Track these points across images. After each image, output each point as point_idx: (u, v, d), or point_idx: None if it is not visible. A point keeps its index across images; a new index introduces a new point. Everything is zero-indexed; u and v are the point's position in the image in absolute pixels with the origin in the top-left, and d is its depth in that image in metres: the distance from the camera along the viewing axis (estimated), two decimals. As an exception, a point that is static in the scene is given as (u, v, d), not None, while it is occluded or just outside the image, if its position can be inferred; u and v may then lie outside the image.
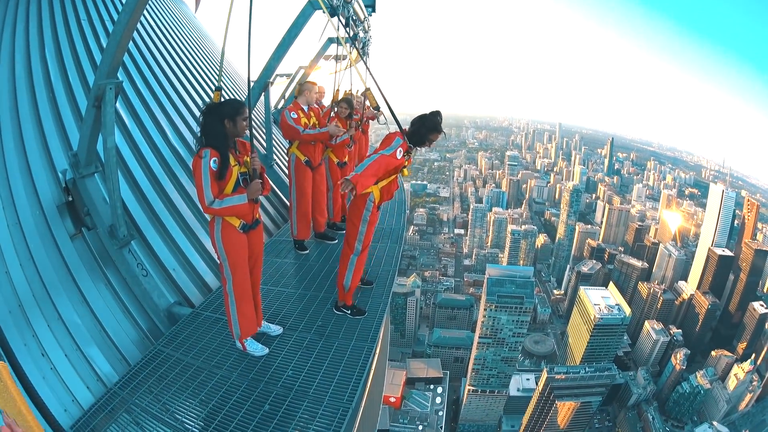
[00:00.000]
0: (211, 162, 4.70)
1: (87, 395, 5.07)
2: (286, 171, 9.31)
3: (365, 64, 7.94)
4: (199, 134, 4.92)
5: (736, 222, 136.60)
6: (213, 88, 13.70)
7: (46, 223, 6.12)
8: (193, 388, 5.04)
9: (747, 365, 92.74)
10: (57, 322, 5.44)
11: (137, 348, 6.04)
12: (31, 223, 5.95)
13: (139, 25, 12.30)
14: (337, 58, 10.83)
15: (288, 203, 9.52)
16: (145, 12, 13.13)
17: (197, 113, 11.32)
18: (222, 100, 5.17)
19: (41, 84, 7.98)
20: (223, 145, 4.83)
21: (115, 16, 11.04)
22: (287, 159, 8.78)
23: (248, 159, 5.11)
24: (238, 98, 9.28)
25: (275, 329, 6.11)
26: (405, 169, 6.34)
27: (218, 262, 5.38)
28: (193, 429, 4.52)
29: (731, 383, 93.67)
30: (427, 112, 6.08)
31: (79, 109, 7.97)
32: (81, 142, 6.07)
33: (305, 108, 8.50)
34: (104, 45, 9.89)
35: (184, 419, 4.61)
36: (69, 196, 6.35)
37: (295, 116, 8.20)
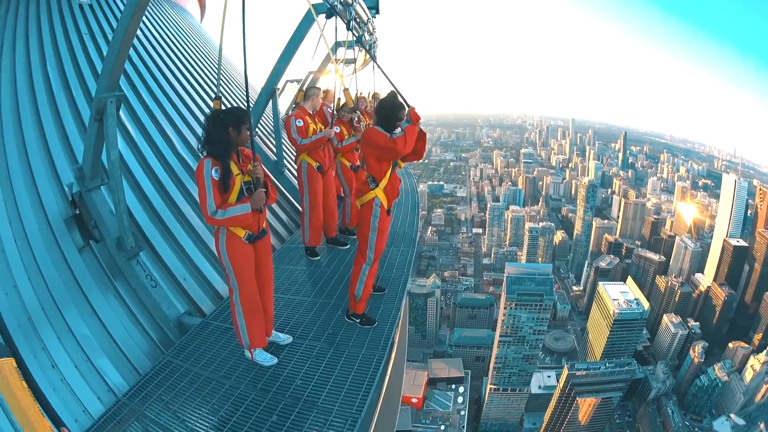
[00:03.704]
0: (213, 171, 4.65)
1: (98, 405, 5.08)
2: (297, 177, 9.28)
3: (375, 63, 7.88)
4: (202, 141, 4.88)
5: (749, 212, 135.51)
6: (222, 96, 13.72)
7: (54, 237, 6.17)
8: (202, 398, 5.01)
9: (763, 356, 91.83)
10: (67, 334, 5.47)
11: (148, 358, 6.03)
12: (38, 237, 6.01)
13: (143, 37, 12.40)
14: (340, 61, 10.83)
15: (300, 209, 9.50)
16: (148, 24, 13.23)
17: (203, 121, 11.32)
18: (224, 108, 5.13)
19: (44, 98, 8.05)
20: (225, 153, 4.79)
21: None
22: (297, 166, 8.70)
23: (251, 167, 5.04)
24: (243, 106, 9.32)
25: (284, 338, 6.05)
26: (399, 161, 6.24)
27: (224, 272, 5.32)
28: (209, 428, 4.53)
29: (748, 375, 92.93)
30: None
31: (83, 123, 8.02)
32: (85, 156, 6.12)
33: (311, 113, 8.44)
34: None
35: (192, 429, 4.58)
36: (76, 209, 6.37)
37: (301, 124, 8.13)
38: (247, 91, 5.12)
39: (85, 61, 9.58)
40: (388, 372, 6.12)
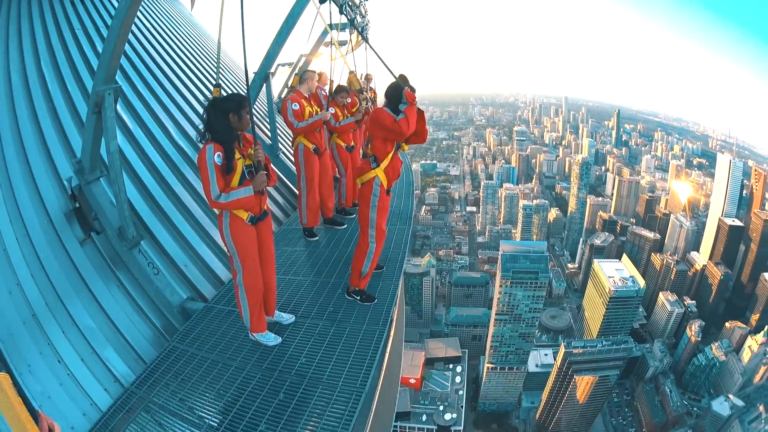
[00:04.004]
0: (216, 157, 4.76)
1: (105, 397, 5.17)
2: (293, 159, 9.40)
3: (368, 45, 7.97)
4: (202, 130, 4.98)
5: (744, 192, 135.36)
6: (213, 82, 13.80)
7: (55, 232, 6.24)
8: (209, 381, 5.14)
9: (760, 337, 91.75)
10: (72, 328, 5.56)
11: (153, 346, 6.13)
12: (40, 233, 6.08)
13: (135, 29, 12.37)
14: (329, 43, 10.94)
15: (296, 191, 9.60)
16: (140, 15, 13.22)
17: (199, 109, 11.39)
18: (223, 95, 5.24)
19: (39, 95, 8.10)
20: (228, 139, 4.89)
21: (110, 22, 11.15)
22: (294, 148, 8.82)
23: (252, 151, 5.17)
24: (240, 92, 9.32)
25: (287, 318, 6.20)
26: (403, 143, 6.32)
27: (228, 255, 5.45)
28: (211, 422, 4.60)
29: (745, 355, 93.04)
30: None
31: (80, 116, 8.08)
32: (84, 149, 6.17)
33: (307, 96, 8.54)
34: (100, 51, 9.99)
35: (201, 413, 4.70)
36: (76, 203, 6.45)
37: (297, 107, 8.23)
38: (246, 76, 5.23)
39: (79, 56, 9.62)
40: (388, 348, 6.25)
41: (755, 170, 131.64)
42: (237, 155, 4.99)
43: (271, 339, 5.73)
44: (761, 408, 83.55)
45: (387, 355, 6.18)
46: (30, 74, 8.48)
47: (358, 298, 6.67)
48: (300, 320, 6.23)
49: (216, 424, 4.58)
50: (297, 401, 4.71)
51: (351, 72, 9.35)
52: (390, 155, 6.12)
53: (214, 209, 5.22)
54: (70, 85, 8.72)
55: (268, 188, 5.48)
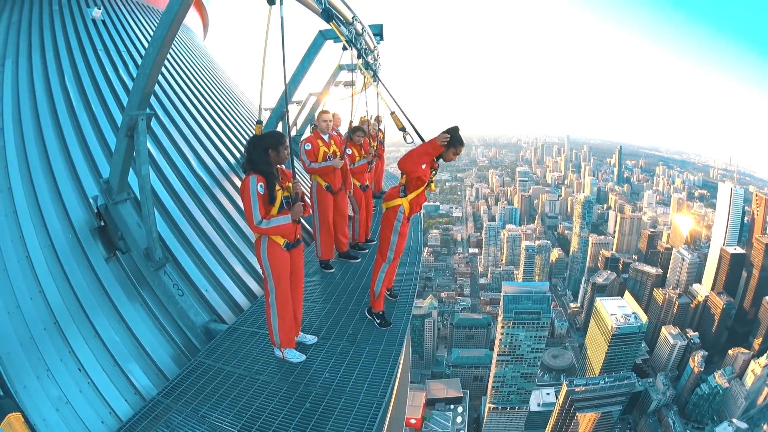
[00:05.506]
0: (258, 186, 5.21)
1: (125, 407, 5.42)
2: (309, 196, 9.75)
3: (384, 88, 8.27)
4: (245, 164, 5.41)
5: (746, 219, 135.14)
6: (230, 115, 14.13)
7: (80, 245, 6.53)
8: (237, 392, 5.35)
9: (763, 360, 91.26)
10: (94, 340, 5.82)
11: (174, 363, 6.38)
12: (65, 246, 6.37)
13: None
14: (352, 83, 11.32)
15: (311, 227, 9.94)
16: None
17: (218, 142, 11.72)
18: (263, 132, 5.66)
19: (65, 113, 8.39)
20: (269, 172, 5.32)
21: (132, 48, 11.57)
22: (310, 185, 9.21)
23: (290, 184, 5.63)
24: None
25: (310, 338, 6.48)
26: (432, 184, 6.69)
27: (263, 276, 5.78)
28: (240, 428, 4.78)
29: (749, 379, 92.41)
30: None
31: (104, 137, 8.41)
32: (113, 170, 6.44)
33: (326, 137, 8.86)
34: (123, 75, 10.29)
35: (229, 420, 4.89)
36: (101, 221, 6.70)
37: (309, 147, 8.60)
38: (287, 115, 5.60)
39: (102, 78, 9.87)
40: (399, 372, 6.50)
41: (756, 195, 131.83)
42: (277, 187, 5.40)
43: (296, 356, 6.01)
44: (765, 427, 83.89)
45: (399, 373, 6.44)
46: (54, 89, 8.76)
47: (378, 321, 6.94)
48: (322, 341, 6.48)
49: (246, 430, 4.76)
50: (323, 409, 4.92)
51: (392, 112, 9.68)
52: (419, 190, 6.52)
53: (254, 234, 5.58)
54: (94, 105, 8.98)
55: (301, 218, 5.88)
